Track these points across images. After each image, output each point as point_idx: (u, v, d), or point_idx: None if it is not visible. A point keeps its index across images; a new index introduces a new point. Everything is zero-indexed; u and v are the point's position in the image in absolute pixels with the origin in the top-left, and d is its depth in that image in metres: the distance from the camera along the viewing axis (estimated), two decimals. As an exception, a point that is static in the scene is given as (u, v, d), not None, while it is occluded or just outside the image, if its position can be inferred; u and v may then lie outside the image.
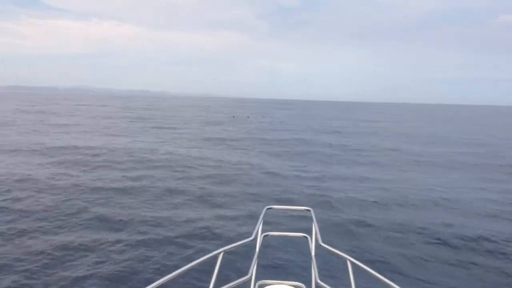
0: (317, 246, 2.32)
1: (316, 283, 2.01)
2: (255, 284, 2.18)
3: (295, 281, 2.30)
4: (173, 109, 71.75)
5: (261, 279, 2.26)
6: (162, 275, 1.71)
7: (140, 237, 7.20)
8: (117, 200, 9.61)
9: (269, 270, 5.67)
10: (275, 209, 2.85)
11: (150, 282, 1.66)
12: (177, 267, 1.83)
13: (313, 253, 2.33)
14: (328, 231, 7.45)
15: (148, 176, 12.37)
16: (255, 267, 2.15)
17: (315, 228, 2.46)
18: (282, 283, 2.25)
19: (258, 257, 2.27)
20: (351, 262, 1.99)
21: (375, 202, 10.18)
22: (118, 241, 6.98)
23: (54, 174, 12.16)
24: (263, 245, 2.42)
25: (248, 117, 49.84)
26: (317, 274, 2.04)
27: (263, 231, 2.51)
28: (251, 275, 2.08)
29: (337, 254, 2.12)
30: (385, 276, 1.83)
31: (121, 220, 8.15)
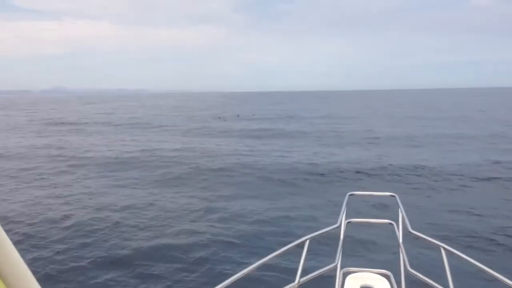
0: (405, 233, 2.25)
1: (406, 271, 1.99)
2: (340, 272, 2.18)
3: (382, 268, 2.29)
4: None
5: (347, 267, 2.27)
6: (251, 263, 1.74)
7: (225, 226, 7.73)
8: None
9: (354, 258, 5.66)
10: (358, 195, 2.80)
11: (239, 270, 1.70)
12: (266, 253, 1.85)
13: (400, 240, 2.26)
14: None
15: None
16: (340, 254, 2.13)
17: (402, 214, 2.35)
18: (368, 271, 2.25)
19: (343, 244, 2.23)
20: (446, 249, 1.88)
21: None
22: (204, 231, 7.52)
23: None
24: (347, 232, 2.38)
25: (238, 115, 44.35)
26: (407, 262, 1.98)
27: (347, 218, 2.44)
28: (337, 262, 2.08)
29: (429, 241, 2.04)
30: (485, 265, 1.71)
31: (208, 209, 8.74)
